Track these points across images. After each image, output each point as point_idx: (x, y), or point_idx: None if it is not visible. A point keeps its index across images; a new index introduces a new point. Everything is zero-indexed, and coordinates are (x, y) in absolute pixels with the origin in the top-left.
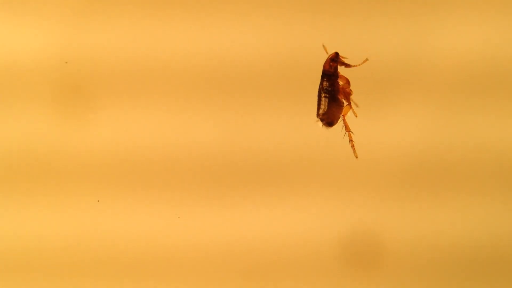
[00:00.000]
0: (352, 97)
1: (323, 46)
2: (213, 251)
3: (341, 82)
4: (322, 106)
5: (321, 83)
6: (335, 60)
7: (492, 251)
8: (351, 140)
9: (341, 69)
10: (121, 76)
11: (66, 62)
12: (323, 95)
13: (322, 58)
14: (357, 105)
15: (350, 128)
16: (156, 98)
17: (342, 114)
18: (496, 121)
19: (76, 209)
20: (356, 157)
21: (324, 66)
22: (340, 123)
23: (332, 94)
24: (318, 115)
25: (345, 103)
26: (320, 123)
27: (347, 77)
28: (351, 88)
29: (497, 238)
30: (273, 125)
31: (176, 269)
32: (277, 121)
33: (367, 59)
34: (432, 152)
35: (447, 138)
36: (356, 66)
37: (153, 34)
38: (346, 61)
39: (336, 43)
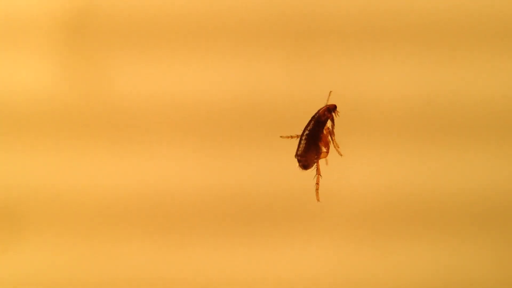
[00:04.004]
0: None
1: (330, 93)
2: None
3: (325, 132)
4: (301, 148)
5: (308, 126)
6: (331, 111)
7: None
8: (317, 183)
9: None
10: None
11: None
12: (305, 137)
13: (316, 100)
14: (340, 154)
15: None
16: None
17: (318, 158)
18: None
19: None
20: (318, 200)
21: (319, 112)
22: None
23: (315, 139)
24: (296, 155)
25: (324, 150)
26: (297, 163)
27: (332, 128)
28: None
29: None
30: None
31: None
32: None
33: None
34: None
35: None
36: (333, 133)
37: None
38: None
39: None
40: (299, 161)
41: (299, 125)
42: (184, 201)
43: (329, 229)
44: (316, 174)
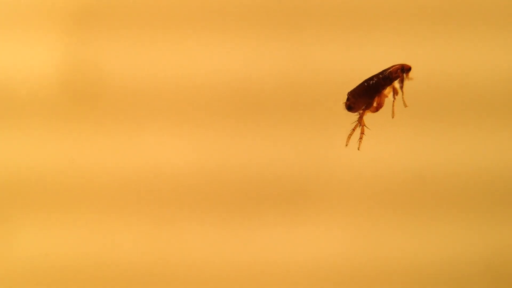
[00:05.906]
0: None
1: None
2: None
3: (387, 90)
4: (356, 90)
5: (376, 76)
6: (404, 71)
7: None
8: (361, 133)
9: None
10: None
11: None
12: (366, 83)
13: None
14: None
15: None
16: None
17: (365, 110)
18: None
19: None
20: (358, 149)
21: (392, 68)
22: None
23: (373, 91)
24: (349, 93)
25: (375, 105)
26: (344, 101)
27: (401, 89)
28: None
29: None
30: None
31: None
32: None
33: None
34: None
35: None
36: (402, 92)
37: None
38: (407, 82)
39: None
40: (347, 99)
41: (298, 107)
42: (190, 182)
43: (340, 208)
44: (359, 123)
